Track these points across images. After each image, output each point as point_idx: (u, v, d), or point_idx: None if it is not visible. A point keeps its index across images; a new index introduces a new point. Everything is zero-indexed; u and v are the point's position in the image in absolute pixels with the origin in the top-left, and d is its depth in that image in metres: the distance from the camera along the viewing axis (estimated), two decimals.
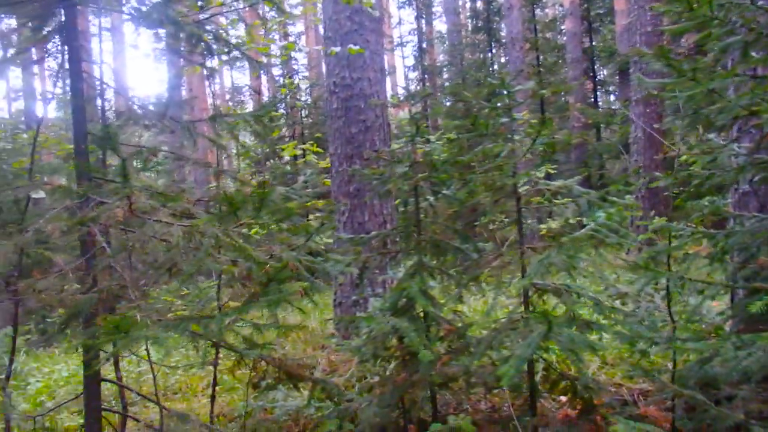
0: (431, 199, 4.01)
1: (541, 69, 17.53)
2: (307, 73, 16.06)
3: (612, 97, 25.99)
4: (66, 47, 3.19)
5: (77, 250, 3.16)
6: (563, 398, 3.99)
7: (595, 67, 21.89)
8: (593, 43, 21.50)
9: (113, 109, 3.43)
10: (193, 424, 3.22)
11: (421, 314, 3.82)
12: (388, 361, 4.15)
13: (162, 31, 4.01)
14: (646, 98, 11.23)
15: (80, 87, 3.03)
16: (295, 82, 12.79)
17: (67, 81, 3.17)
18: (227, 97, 28.40)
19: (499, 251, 3.76)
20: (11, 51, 3.49)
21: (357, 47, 5.14)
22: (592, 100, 21.92)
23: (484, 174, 3.66)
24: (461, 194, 3.75)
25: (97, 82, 3.44)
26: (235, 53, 3.92)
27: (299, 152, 8.71)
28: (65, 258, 3.10)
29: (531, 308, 3.57)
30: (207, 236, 2.41)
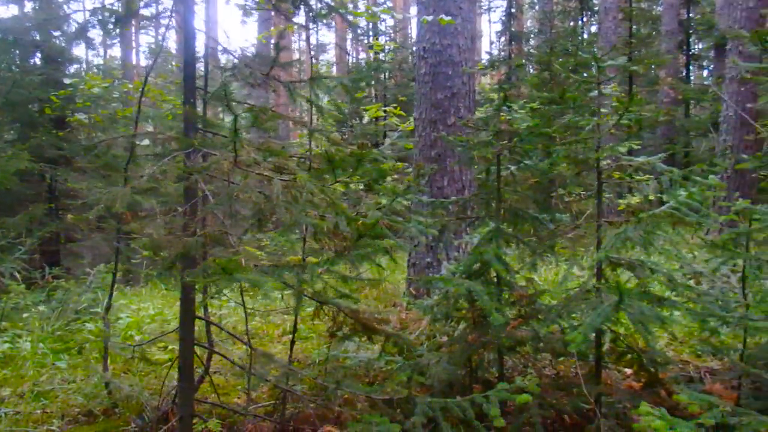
0: (512, 168, 4.10)
1: (633, 41, 16.94)
2: (392, 34, 16.14)
3: (705, 73, 24.92)
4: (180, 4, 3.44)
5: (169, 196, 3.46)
6: (628, 370, 4.07)
7: (690, 40, 21.01)
8: (690, 15, 20.61)
9: (217, 65, 3.65)
10: (277, 364, 3.50)
11: (495, 279, 3.95)
12: (458, 322, 4.32)
13: None
14: (743, 78, 10.78)
15: (193, 43, 3.27)
16: (382, 43, 12.89)
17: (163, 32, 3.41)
18: (312, 53, 28.69)
19: (575, 223, 3.84)
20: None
21: (448, 17, 5.21)
22: (684, 74, 21.10)
23: (567, 146, 3.72)
24: (543, 165, 3.82)
25: (204, 38, 3.69)
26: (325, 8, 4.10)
27: (382, 114, 8.90)
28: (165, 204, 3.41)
29: (603, 281, 3.64)
30: (306, 191, 2.62)
